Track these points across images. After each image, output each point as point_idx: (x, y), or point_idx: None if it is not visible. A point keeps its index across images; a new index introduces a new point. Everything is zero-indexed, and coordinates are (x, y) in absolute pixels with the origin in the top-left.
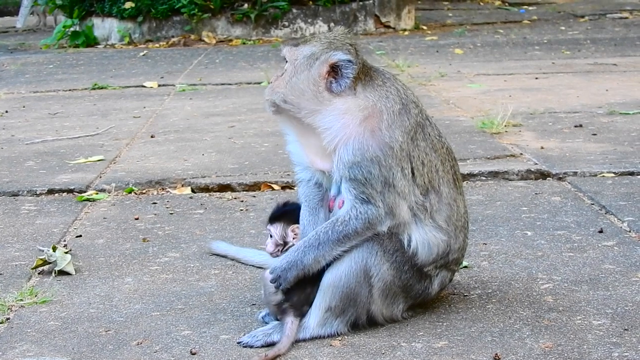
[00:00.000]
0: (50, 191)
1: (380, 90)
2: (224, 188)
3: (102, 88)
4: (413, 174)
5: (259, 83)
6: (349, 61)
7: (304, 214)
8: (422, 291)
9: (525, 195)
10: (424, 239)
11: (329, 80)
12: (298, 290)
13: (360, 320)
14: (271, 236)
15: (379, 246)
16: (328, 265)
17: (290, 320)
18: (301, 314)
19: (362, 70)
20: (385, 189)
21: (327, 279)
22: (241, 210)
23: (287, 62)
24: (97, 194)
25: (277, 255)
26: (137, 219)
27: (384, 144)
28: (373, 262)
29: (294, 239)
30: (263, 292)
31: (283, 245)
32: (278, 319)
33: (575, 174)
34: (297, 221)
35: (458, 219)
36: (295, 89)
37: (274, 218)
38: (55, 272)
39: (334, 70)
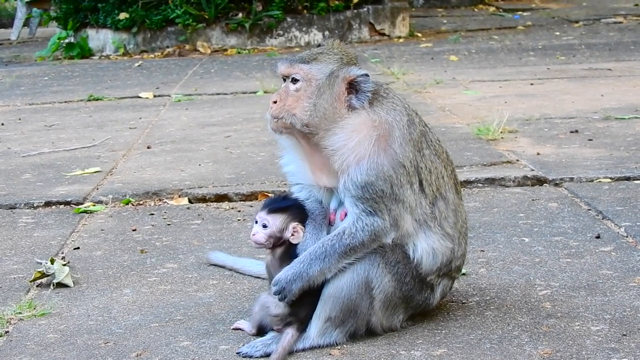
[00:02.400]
0: (48, 203)
1: (386, 103)
2: (221, 198)
3: (97, 99)
4: (422, 184)
5: (255, 92)
6: (366, 75)
7: (308, 228)
8: (423, 301)
9: (522, 202)
10: (430, 248)
11: (348, 97)
12: (305, 305)
13: (359, 332)
14: (265, 226)
15: (381, 258)
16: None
17: (291, 333)
18: (304, 329)
19: None
20: (393, 204)
21: (329, 289)
22: (238, 220)
23: (297, 80)
24: (94, 205)
25: (263, 247)
26: (134, 230)
27: (396, 163)
28: (375, 274)
29: (292, 236)
30: (259, 307)
31: (277, 240)
32: (276, 330)
33: (571, 179)
34: (300, 220)
35: (462, 225)
36: (320, 110)
37: (274, 209)
38: (53, 285)
39: (352, 86)
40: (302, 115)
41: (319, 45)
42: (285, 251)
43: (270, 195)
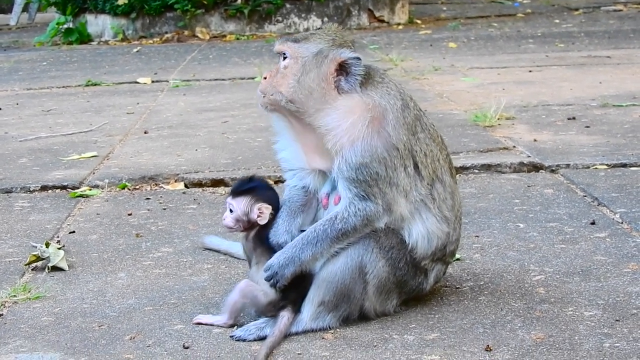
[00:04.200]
0: (44, 188)
1: (381, 88)
2: (217, 183)
3: (95, 85)
4: (417, 167)
5: (253, 78)
6: (358, 58)
7: (282, 214)
8: (417, 287)
9: (518, 188)
10: (425, 231)
11: (337, 78)
12: (296, 288)
13: (352, 316)
14: (231, 210)
15: (375, 243)
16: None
17: (287, 316)
18: (298, 310)
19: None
20: (387, 187)
21: (323, 273)
22: None
23: (285, 58)
24: (90, 190)
25: (235, 231)
26: (130, 214)
27: (390, 145)
28: (369, 258)
29: (258, 217)
30: (240, 296)
31: (246, 223)
32: (269, 316)
33: (568, 166)
34: (265, 200)
35: (458, 209)
36: (304, 87)
37: (237, 192)
38: (48, 268)
39: (342, 68)
40: (286, 92)
41: (319, 29)
42: (257, 234)
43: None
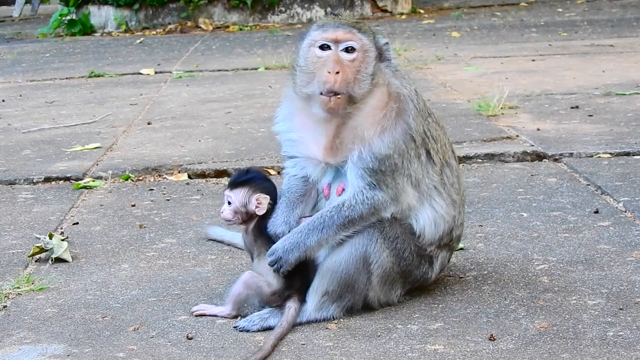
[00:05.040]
0: (47, 179)
1: (397, 74)
2: (220, 174)
3: (98, 76)
4: (429, 154)
5: (256, 69)
6: (387, 43)
7: (281, 205)
8: (421, 276)
9: (521, 177)
10: (433, 217)
11: (377, 65)
12: (300, 276)
13: (356, 306)
14: (230, 203)
15: (380, 233)
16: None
17: (294, 306)
18: (304, 300)
19: None
20: (400, 178)
21: (327, 263)
22: None
23: (353, 49)
24: (93, 181)
25: (234, 224)
26: (133, 205)
27: (409, 137)
28: (373, 249)
29: (256, 208)
30: (244, 287)
31: (245, 214)
32: (273, 307)
33: (571, 155)
34: (262, 190)
35: (463, 191)
36: (367, 80)
37: (235, 184)
38: (52, 260)
39: (380, 54)
40: (359, 90)
41: (334, 14)
42: (257, 225)
43: (269, 170)
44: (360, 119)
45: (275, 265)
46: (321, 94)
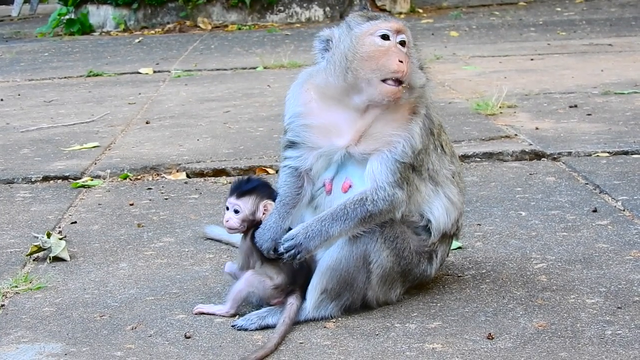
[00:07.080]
0: (45, 178)
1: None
2: (218, 173)
3: (97, 75)
4: (442, 145)
5: (254, 68)
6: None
7: (272, 215)
8: (420, 274)
9: (520, 176)
10: (446, 206)
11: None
12: (303, 272)
13: (355, 305)
14: (237, 211)
15: (380, 233)
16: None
17: (295, 303)
18: (303, 296)
19: None
20: (418, 176)
21: (326, 261)
22: None
23: (404, 43)
24: (92, 180)
25: (239, 232)
26: (132, 204)
27: (429, 131)
28: (373, 248)
29: (263, 215)
30: (245, 285)
31: (251, 222)
32: (270, 304)
33: (569, 154)
34: (268, 197)
35: (463, 179)
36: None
37: (242, 192)
38: (50, 259)
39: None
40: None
41: (365, 8)
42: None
43: (267, 170)
44: (397, 111)
45: (293, 251)
46: (383, 81)
